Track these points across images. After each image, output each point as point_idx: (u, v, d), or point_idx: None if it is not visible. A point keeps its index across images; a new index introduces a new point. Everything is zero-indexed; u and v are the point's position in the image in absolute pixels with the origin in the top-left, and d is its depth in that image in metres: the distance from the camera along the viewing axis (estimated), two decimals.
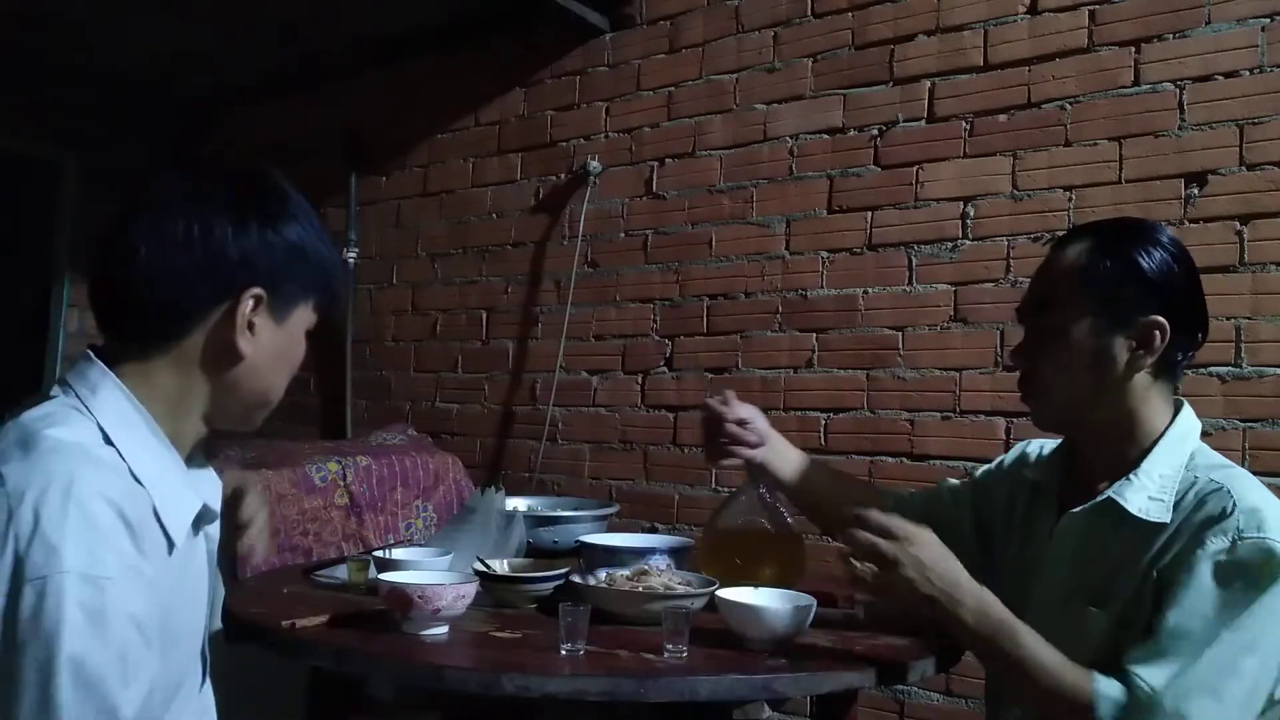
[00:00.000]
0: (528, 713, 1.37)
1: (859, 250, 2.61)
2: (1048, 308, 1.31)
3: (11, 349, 4.12)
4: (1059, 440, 1.44)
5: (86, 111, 4.08)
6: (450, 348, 3.48)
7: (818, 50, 2.71)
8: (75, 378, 0.95)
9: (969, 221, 2.44)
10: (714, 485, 2.80)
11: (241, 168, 1.03)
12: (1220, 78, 2.15)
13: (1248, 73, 2.12)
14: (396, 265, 3.67)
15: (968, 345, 2.42)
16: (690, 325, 2.90)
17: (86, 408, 0.92)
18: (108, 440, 0.90)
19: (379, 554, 1.65)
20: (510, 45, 3.36)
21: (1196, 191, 2.16)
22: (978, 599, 1.22)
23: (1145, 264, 1.24)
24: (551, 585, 1.56)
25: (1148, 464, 1.24)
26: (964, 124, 2.46)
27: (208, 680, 1.09)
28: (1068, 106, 2.32)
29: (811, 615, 1.35)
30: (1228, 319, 2.09)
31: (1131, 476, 1.24)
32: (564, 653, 1.27)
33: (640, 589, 1.47)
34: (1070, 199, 2.30)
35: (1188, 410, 1.30)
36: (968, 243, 2.44)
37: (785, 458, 1.65)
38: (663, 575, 1.51)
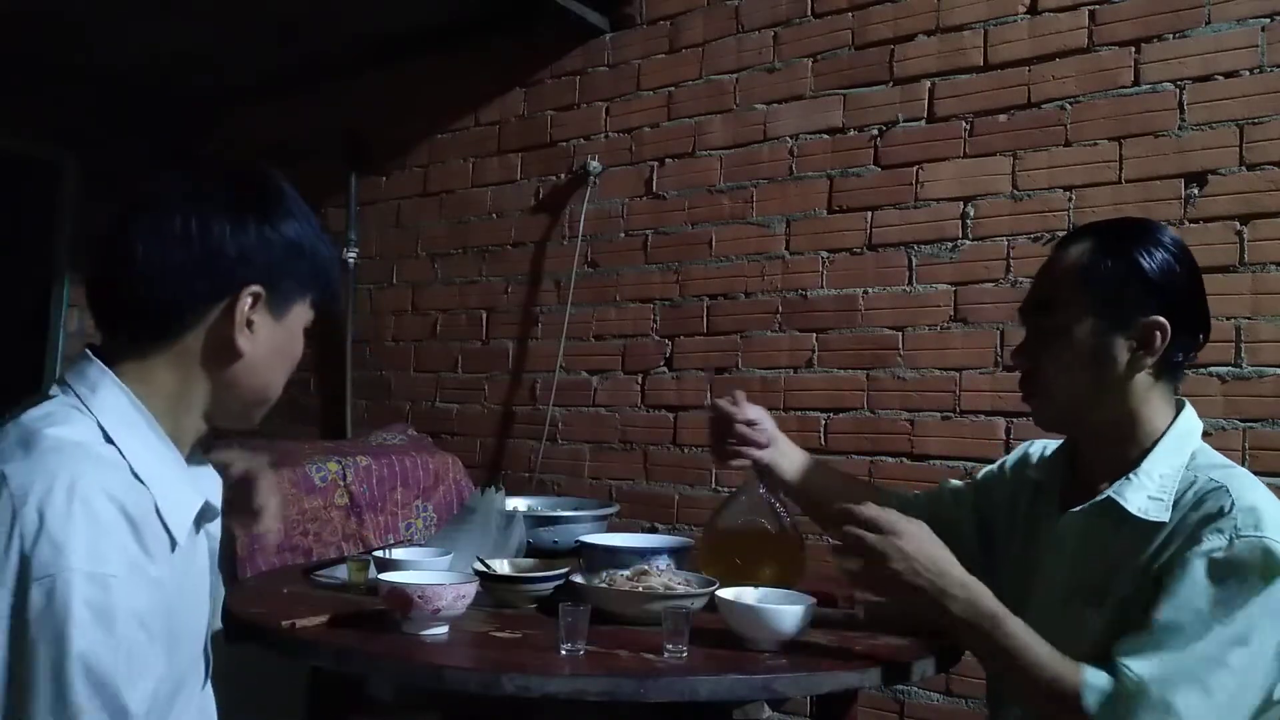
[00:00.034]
0: (528, 713, 1.37)
1: (859, 250, 2.61)
2: (1049, 308, 1.31)
3: (11, 349, 4.12)
4: (1062, 441, 1.44)
5: (86, 111, 4.08)
6: (450, 348, 3.48)
7: (818, 50, 2.71)
8: (74, 377, 0.95)
9: (969, 221, 2.44)
10: (714, 485, 2.80)
11: (239, 167, 1.04)
12: (1220, 78, 2.15)
13: (1248, 73, 2.12)
14: (396, 265, 3.67)
15: (968, 345, 2.42)
16: (690, 325, 2.90)
17: (86, 407, 0.92)
18: (108, 439, 0.90)
19: (379, 554, 1.65)
20: (510, 45, 3.36)
21: (1196, 191, 2.16)
22: (966, 590, 1.23)
23: (1147, 264, 1.25)
24: (551, 585, 1.56)
25: (1148, 464, 1.24)
26: (964, 124, 2.46)
27: (209, 680, 1.09)
28: (1068, 106, 2.32)
29: (811, 615, 1.35)
30: (1228, 319, 2.09)
31: (1131, 476, 1.24)
32: (564, 653, 1.27)
33: (640, 589, 1.47)
34: (1070, 199, 2.30)
35: (1189, 410, 1.30)
36: (968, 243, 2.44)
37: (791, 459, 1.65)
38: (663, 575, 1.51)
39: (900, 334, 2.53)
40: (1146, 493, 1.23)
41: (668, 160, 2.98)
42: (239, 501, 1.29)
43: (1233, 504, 1.16)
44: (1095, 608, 1.24)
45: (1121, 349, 1.26)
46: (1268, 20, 2.10)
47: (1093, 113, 2.29)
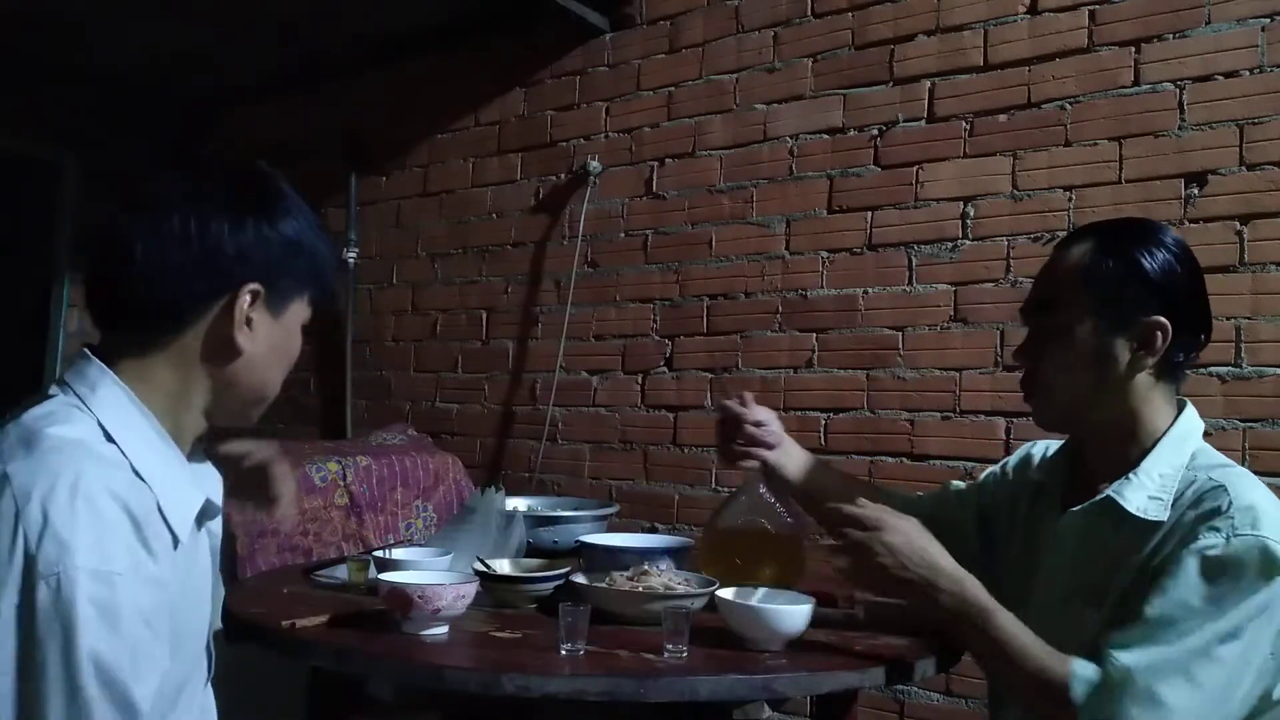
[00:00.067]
0: (528, 713, 1.37)
1: (859, 250, 2.61)
2: (1050, 308, 1.31)
3: (11, 349, 4.12)
4: (1064, 441, 1.44)
5: (86, 111, 4.08)
6: (450, 348, 3.48)
7: (818, 50, 2.71)
8: (73, 377, 0.95)
9: (969, 221, 2.44)
10: (714, 485, 2.80)
11: (236, 165, 1.04)
12: (1220, 78, 2.15)
13: (1248, 73, 2.12)
14: (396, 265, 3.67)
15: (968, 345, 2.42)
16: (690, 325, 2.90)
17: (86, 406, 0.92)
18: (109, 437, 0.90)
19: (379, 554, 1.65)
20: (510, 45, 3.36)
21: (1196, 191, 2.16)
22: (956, 582, 1.24)
23: (1148, 264, 1.25)
24: (551, 585, 1.56)
25: (1148, 463, 1.25)
26: (964, 124, 2.46)
27: (210, 678, 1.09)
28: (1068, 106, 2.32)
29: (811, 615, 1.35)
30: (1228, 319, 2.09)
31: (1131, 476, 1.24)
32: (564, 653, 1.27)
33: (640, 589, 1.47)
34: (1070, 199, 2.30)
35: (1190, 410, 1.30)
36: (968, 243, 2.44)
37: (797, 461, 1.66)
38: (663, 575, 1.51)
39: (900, 334, 2.53)
40: (1146, 492, 1.23)
41: (668, 160, 2.98)
42: (256, 490, 1.32)
43: (1231, 503, 1.16)
44: (1095, 607, 1.24)
45: (1122, 349, 1.26)
46: (1268, 20, 2.10)
47: (1093, 113, 2.29)
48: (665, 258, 2.97)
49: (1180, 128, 2.18)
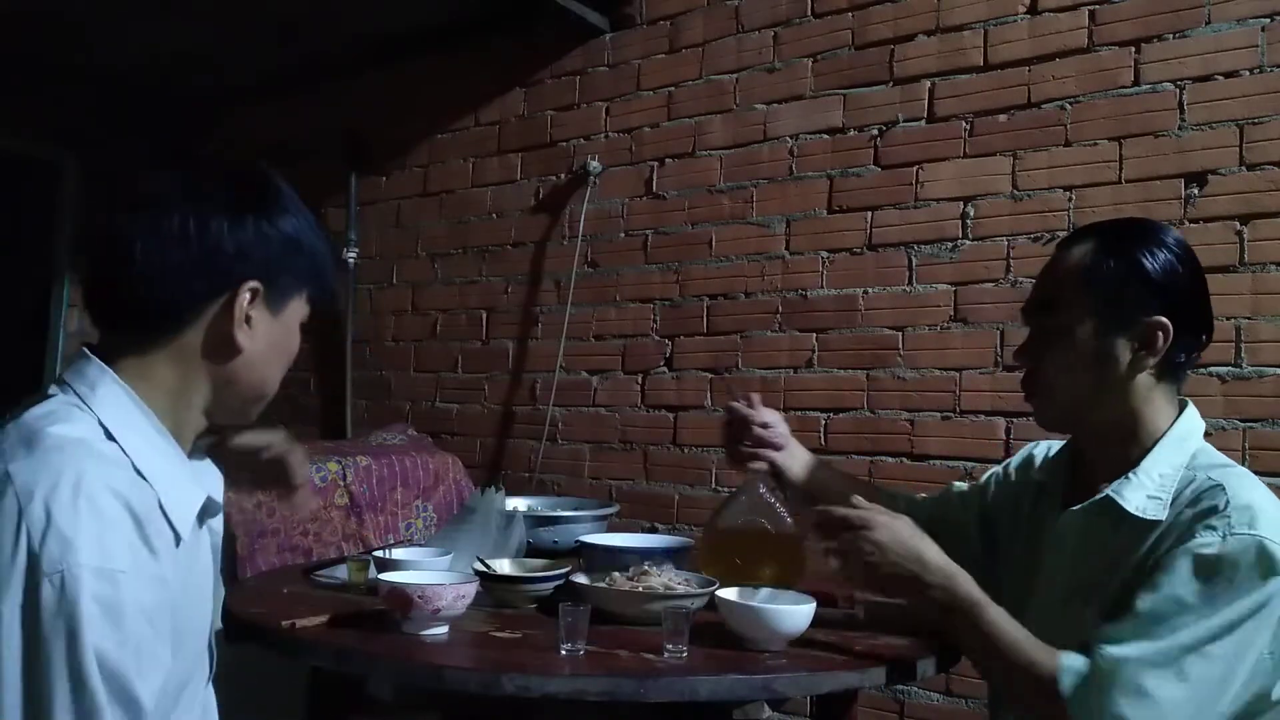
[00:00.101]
0: (528, 713, 1.37)
1: (859, 250, 2.61)
2: (1051, 308, 1.31)
3: (11, 349, 4.12)
4: (1066, 441, 1.44)
5: (86, 111, 4.08)
6: (450, 348, 3.48)
7: (818, 50, 2.71)
8: (73, 376, 0.95)
9: (969, 221, 2.44)
10: (714, 485, 2.80)
11: (233, 163, 1.04)
12: (1220, 78, 2.15)
13: (1248, 73, 2.12)
14: (396, 265, 3.67)
15: (968, 345, 2.42)
16: (690, 325, 2.90)
17: (86, 405, 0.92)
18: (109, 436, 0.91)
19: (379, 554, 1.65)
20: (510, 45, 3.36)
21: (1196, 191, 2.16)
22: (945, 577, 1.25)
23: (1149, 265, 1.25)
24: (551, 585, 1.56)
25: (1147, 463, 1.25)
26: (964, 124, 2.46)
27: (212, 677, 1.09)
28: (1068, 106, 2.32)
29: (811, 615, 1.35)
30: (1228, 319, 2.08)
31: (1131, 475, 1.25)
32: (564, 653, 1.27)
33: (640, 589, 1.47)
34: (1070, 199, 2.30)
35: (1191, 410, 1.30)
36: (968, 243, 2.44)
37: (803, 462, 1.66)
38: (663, 575, 1.51)
39: (900, 334, 2.53)
40: (1145, 492, 1.23)
41: (668, 160, 2.98)
42: (275, 481, 1.36)
43: (1228, 502, 1.16)
44: (1095, 606, 1.24)
45: (1123, 349, 1.26)
46: (1268, 20, 2.10)
47: (1093, 113, 2.29)
48: (665, 258, 2.97)
49: (1180, 128, 2.18)
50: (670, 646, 1.27)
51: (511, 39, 3.36)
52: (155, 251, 0.93)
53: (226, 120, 4.25)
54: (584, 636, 1.29)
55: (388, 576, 1.42)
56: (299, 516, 2.54)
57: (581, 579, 1.54)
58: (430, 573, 1.50)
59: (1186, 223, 2.15)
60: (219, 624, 1.35)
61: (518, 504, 2.03)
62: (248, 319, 0.97)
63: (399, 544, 2.09)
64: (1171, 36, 2.21)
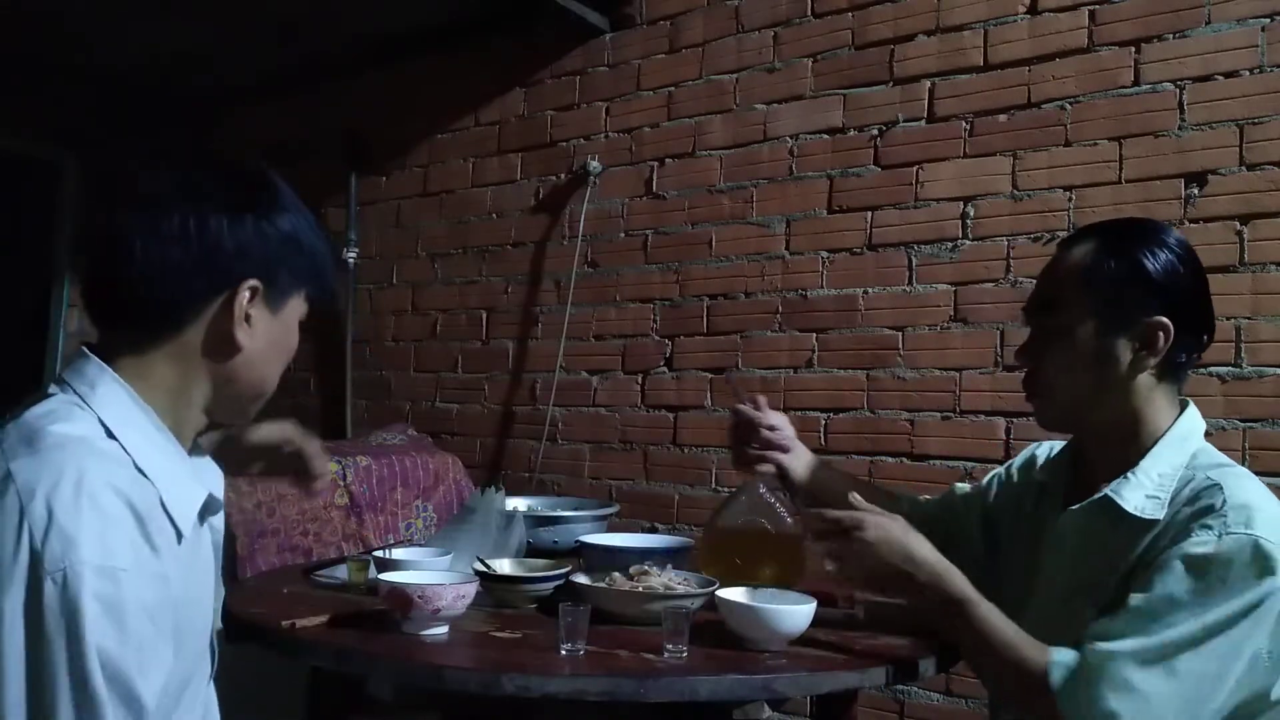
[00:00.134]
0: (528, 713, 1.37)
1: (859, 250, 2.61)
2: (1052, 308, 1.31)
3: (11, 349, 4.12)
4: (1068, 441, 1.44)
5: (86, 111, 4.08)
6: (450, 348, 3.48)
7: (818, 50, 2.71)
8: (72, 375, 0.95)
9: (969, 221, 2.44)
10: (714, 485, 2.80)
11: (231, 161, 1.04)
12: (1220, 78, 2.15)
13: (1248, 73, 2.12)
14: (396, 265, 3.67)
15: (968, 345, 2.42)
16: (690, 325, 2.90)
17: (86, 403, 0.92)
18: (110, 434, 0.91)
19: (379, 554, 1.65)
20: (510, 45, 3.36)
21: (1196, 191, 2.16)
22: (935, 575, 1.26)
23: (1150, 265, 1.25)
24: (551, 585, 1.56)
25: (1146, 463, 1.25)
26: (964, 124, 2.46)
27: (213, 675, 1.09)
28: (1068, 106, 2.32)
29: (811, 615, 1.35)
30: (1228, 319, 2.08)
31: (1130, 475, 1.25)
32: (564, 653, 1.27)
33: (640, 589, 1.47)
34: (1070, 199, 2.30)
35: (1192, 410, 1.30)
36: (968, 243, 2.44)
37: (808, 465, 1.67)
38: (663, 575, 1.51)
39: (900, 334, 2.53)
40: (1144, 491, 1.23)
41: (668, 160, 2.98)
42: (295, 473, 1.41)
43: (1225, 501, 1.16)
44: (1094, 606, 1.24)
45: (1124, 350, 1.26)
46: (1268, 20, 2.10)
47: (1093, 113, 2.29)
48: (665, 258, 2.97)
49: (1180, 128, 2.18)
50: (670, 646, 1.27)
51: (511, 39, 3.36)
52: (155, 251, 0.93)
53: (226, 120, 4.25)
54: (584, 636, 1.29)
55: (388, 576, 1.42)
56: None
57: (581, 579, 1.54)
58: (430, 573, 1.50)
59: (1186, 223, 2.15)
60: (219, 623, 1.35)
61: (518, 504, 2.03)
62: (247, 317, 0.98)
63: (399, 544, 2.09)
64: (1171, 36, 2.21)
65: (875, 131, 2.60)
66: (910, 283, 2.52)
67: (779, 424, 1.64)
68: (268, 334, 1.00)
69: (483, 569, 1.59)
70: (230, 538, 2.37)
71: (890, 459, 2.52)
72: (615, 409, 3.04)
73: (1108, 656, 1.14)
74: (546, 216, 3.25)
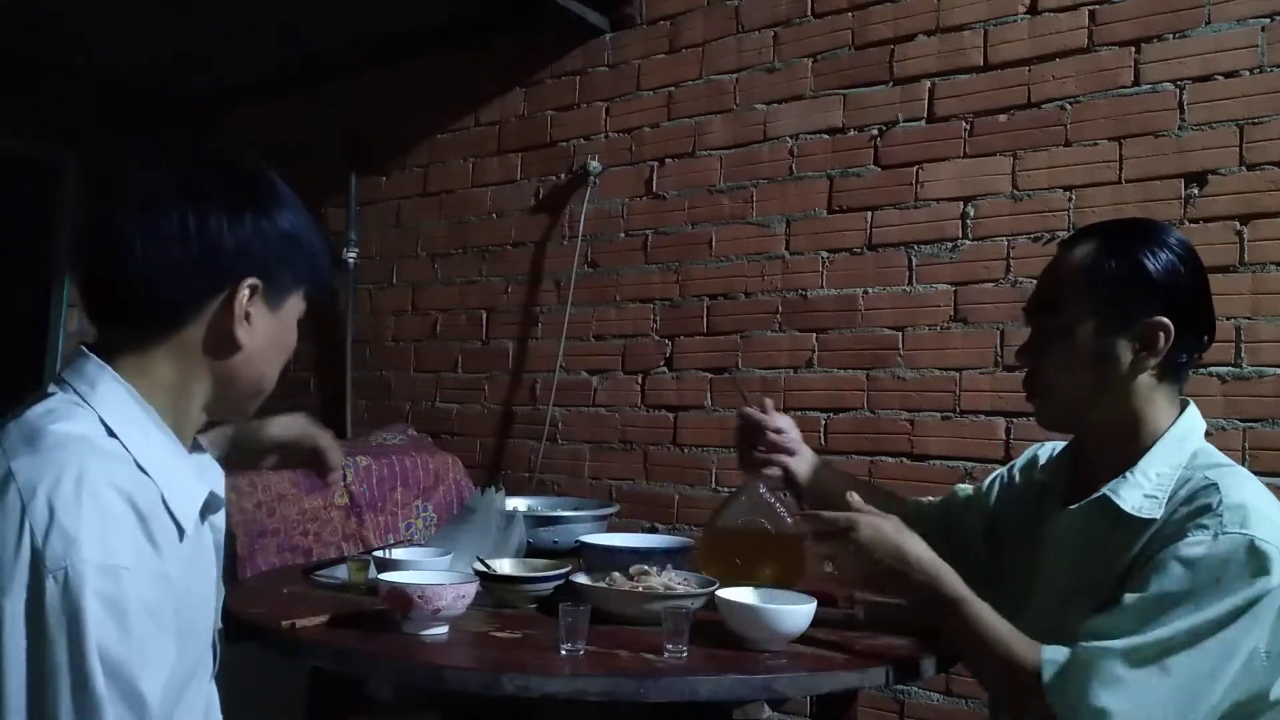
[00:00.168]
0: (528, 713, 1.37)
1: (859, 250, 2.61)
2: (1053, 308, 1.31)
3: (11, 349, 4.12)
4: (1069, 441, 1.45)
5: (86, 111, 4.08)
6: (450, 348, 3.48)
7: (818, 50, 2.71)
8: (72, 374, 0.95)
9: (969, 221, 2.44)
10: (714, 485, 2.80)
11: (228, 159, 1.04)
12: (1220, 78, 2.15)
13: (1248, 73, 2.12)
14: (396, 265, 3.67)
15: (968, 345, 2.42)
16: (690, 325, 2.90)
17: (86, 402, 0.92)
18: (110, 433, 0.91)
19: (379, 554, 1.65)
20: (510, 45, 3.36)
21: (1196, 191, 2.16)
22: (929, 574, 1.27)
23: (1150, 265, 1.25)
24: (551, 585, 1.56)
25: (1145, 462, 1.25)
26: (964, 124, 2.46)
27: (215, 673, 1.09)
28: (1068, 106, 2.32)
29: (811, 615, 1.35)
30: (1228, 319, 2.08)
31: (1128, 475, 1.25)
32: (564, 653, 1.27)
33: (640, 589, 1.47)
34: (1070, 199, 2.30)
35: (1192, 410, 1.30)
36: (968, 243, 2.44)
37: (815, 468, 1.67)
38: (663, 575, 1.51)
39: (900, 334, 2.53)
40: (1142, 491, 1.23)
41: (668, 160, 2.98)
42: (311, 466, 1.48)
43: (1221, 500, 1.16)
44: (1094, 606, 1.24)
45: (1124, 350, 1.26)
46: (1268, 20, 2.10)
47: (1093, 113, 2.29)
48: (665, 258, 2.97)
49: (1180, 128, 2.18)
50: (670, 646, 1.27)
51: (511, 39, 3.36)
52: (155, 250, 0.93)
53: (226, 120, 4.25)
54: (584, 636, 1.29)
55: (388, 576, 1.42)
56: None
57: (581, 579, 1.54)
58: (430, 573, 1.50)
59: (1186, 223, 2.15)
60: (219, 622, 1.35)
61: (518, 504, 2.03)
62: (247, 316, 0.98)
63: (399, 544, 2.09)
64: (1171, 36, 2.21)
65: (875, 131, 2.60)
66: (910, 283, 2.52)
67: (785, 427, 1.64)
68: (267, 332, 1.00)
69: (483, 569, 1.59)
70: (230, 538, 2.36)
71: (890, 459, 2.52)
72: (615, 409, 3.04)
73: (1100, 654, 1.14)
74: (546, 216, 3.25)
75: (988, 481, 1.60)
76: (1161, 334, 1.24)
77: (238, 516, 2.42)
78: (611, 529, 2.08)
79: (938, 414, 2.46)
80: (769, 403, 1.67)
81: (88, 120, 4.08)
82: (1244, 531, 1.12)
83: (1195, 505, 1.18)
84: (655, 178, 3.00)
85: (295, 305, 1.05)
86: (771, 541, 1.62)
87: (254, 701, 1.54)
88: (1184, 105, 2.18)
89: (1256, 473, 1.26)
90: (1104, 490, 1.25)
